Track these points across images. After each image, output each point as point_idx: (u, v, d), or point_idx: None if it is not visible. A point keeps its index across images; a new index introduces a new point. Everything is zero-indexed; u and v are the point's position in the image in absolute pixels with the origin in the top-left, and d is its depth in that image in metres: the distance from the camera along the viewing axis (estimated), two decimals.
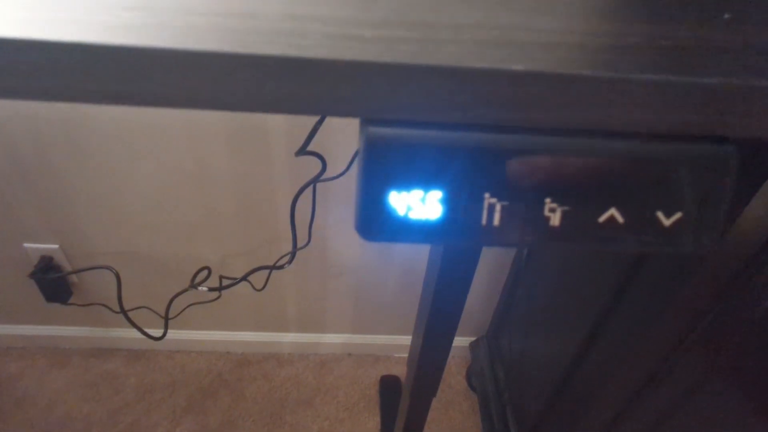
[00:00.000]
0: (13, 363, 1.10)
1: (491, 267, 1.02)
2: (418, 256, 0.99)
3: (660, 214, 0.15)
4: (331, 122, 0.67)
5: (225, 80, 0.13)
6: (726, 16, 0.15)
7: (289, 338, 1.16)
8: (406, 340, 1.18)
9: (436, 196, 0.15)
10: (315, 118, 0.57)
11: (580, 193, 0.15)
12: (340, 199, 0.86)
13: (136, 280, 0.99)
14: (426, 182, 0.15)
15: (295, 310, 1.10)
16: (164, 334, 0.94)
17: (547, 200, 0.15)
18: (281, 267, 0.77)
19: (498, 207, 0.15)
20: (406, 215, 0.16)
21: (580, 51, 0.13)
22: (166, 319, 0.94)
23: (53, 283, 0.96)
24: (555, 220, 0.15)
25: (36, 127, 0.77)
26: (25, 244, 0.93)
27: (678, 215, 0.15)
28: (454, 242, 0.15)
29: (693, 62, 0.13)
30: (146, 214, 0.90)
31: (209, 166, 0.83)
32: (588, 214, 0.15)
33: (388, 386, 1.13)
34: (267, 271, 0.80)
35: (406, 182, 0.15)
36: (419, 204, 0.15)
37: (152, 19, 0.13)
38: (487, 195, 0.15)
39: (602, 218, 0.15)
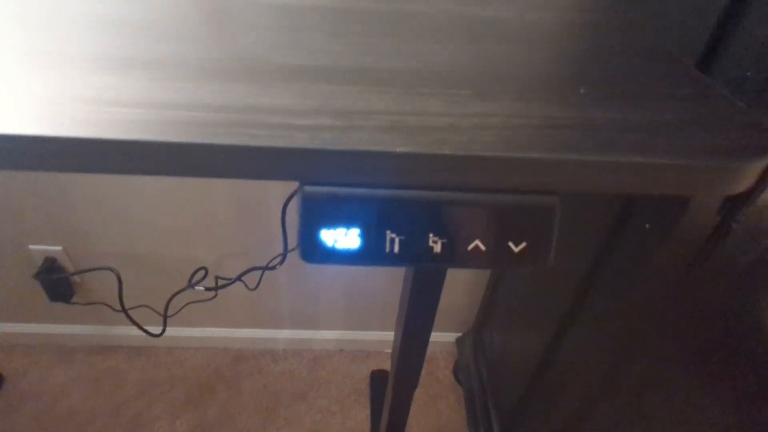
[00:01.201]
0: (18, 359, 1.15)
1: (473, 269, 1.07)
2: None
3: (511, 244, 0.20)
4: None
5: (202, 159, 0.17)
6: (582, 90, 0.19)
7: (284, 335, 1.21)
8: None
9: (354, 232, 0.20)
10: None
11: (453, 229, 0.20)
12: None
13: (136, 280, 1.04)
14: (345, 223, 0.20)
15: (289, 308, 1.15)
16: (163, 331, 0.99)
17: (431, 235, 0.20)
18: (273, 268, 0.82)
19: (396, 240, 0.20)
20: (333, 246, 0.21)
21: (449, 132, 0.18)
22: (165, 317, 0.99)
23: (57, 283, 1.01)
24: (437, 248, 0.20)
25: None
26: (31, 246, 0.98)
27: (523, 245, 0.20)
28: (368, 264, 0.21)
29: (532, 140, 0.18)
30: (146, 217, 0.95)
31: None
32: (460, 244, 0.20)
33: (379, 380, 1.18)
34: (260, 272, 0.85)
35: (331, 223, 0.20)
36: (343, 237, 0.20)
37: (139, 115, 0.18)
38: (388, 231, 0.20)
39: (470, 247, 0.20)
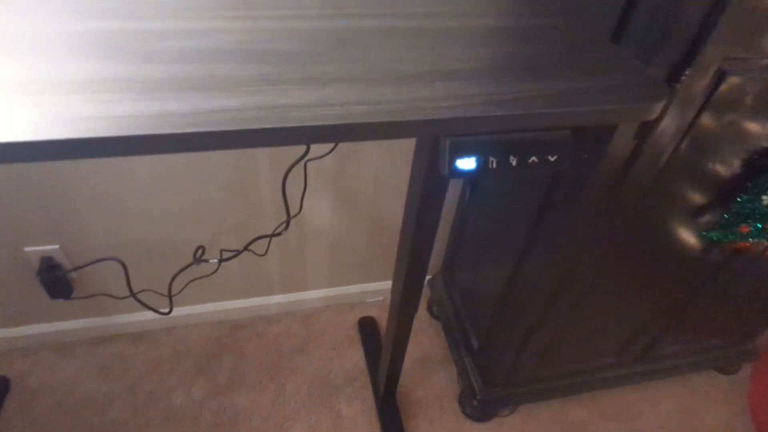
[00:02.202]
0: (18, 361, 1.18)
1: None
2: (381, 210, 1.19)
3: (549, 157, 0.36)
4: None
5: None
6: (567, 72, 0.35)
7: (275, 300, 1.32)
8: (375, 285, 1.38)
9: (472, 159, 0.34)
10: None
11: (519, 153, 0.35)
12: (317, 175, 1.02)
13: (136, 266, 1.10)
14: (469, 155, 0.34)
15: (278, 274, 1.27)
16: (170, 310, 1.08)
17: (510, 156, 0.35)
18: (279, 234, 0.93)
19: (494, 161, 0.35)
20: (463, 167, 0.35)
21: (507, 102, 0.32)
22: (170, 296, 1.08)
23: (58, 280, 1.05)
24: (514, 163, 0.35)
25: None
26: (26, 248, 1.01)
27: (555, 156, 0.36)
28: (480, 176, 0.35)
29: (548, 103, 0.33)
30: (139, 205, 1.01)
31: (197, 154, 0.95)
32: (524, 160, 0.35)
33: (366, 325, 1.34)
34: (266, 240, 0.96)
35: (463, 155, 0.34)
36: (467, 162, 0.35)
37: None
38: (489, 157, 0.34)
39: (530, 160, 0.36)
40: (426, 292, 1.43)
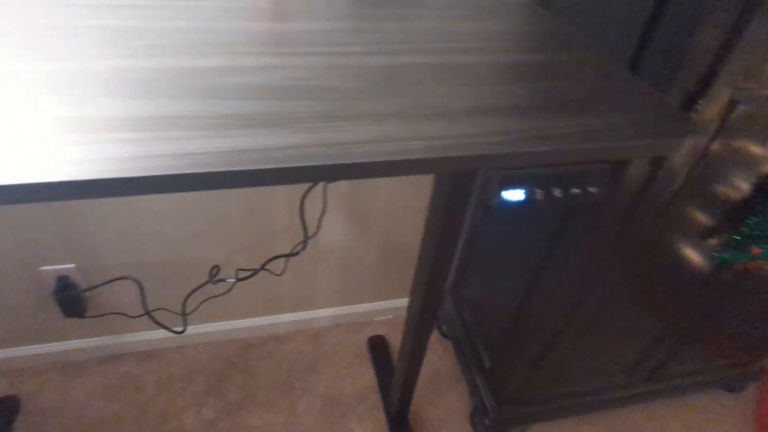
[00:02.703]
0: (27, 381, 1.17)
1: None
2: (393, 230, 1.20)
3: (590, 189, 0.38)
4: None
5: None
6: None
7: (285, 318, 1.33)
8: (385, 304, 1.39)
9: (520, 191, 0.36)
10: None
11: (564, 185, 0.37)
12: (333, 196, 1.04)
13: (150, 285, 1.11)
14: (515, 186, 0.36)
15: (289, 293, 1.27)
16: (184, 329, 1.09)
17: (554, 188, 0.37)
18: (296, 254, 0.94)
19: (539, 192, 0.37)
20: (509, 198, 0.37)
21: (557, 138, 0.35)
22: (184, 315, 1.09)
23: (73, 299, 1.06)
24: (558, 194, 0.37)
25: None
26: (42, 268, 1.02)
27: (596, 188, 0.38)
28: (526, 206, 0.37)
29: (587, 138, 0.35)
30: (154, 226, 1.02)
31: None
32: (567, 192, 0.37)
33: (376, 344, 1.35)
34: (282, 260, 0.97)
35: (508, 187, 0.36)
36: (515, 194, 0.37)
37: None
38: (536, 189, 0.36)
39: (572, 191, 0.38)
40: None
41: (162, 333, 1.22)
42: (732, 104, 0.63)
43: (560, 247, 0.84)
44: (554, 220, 0.83)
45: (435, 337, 1.41)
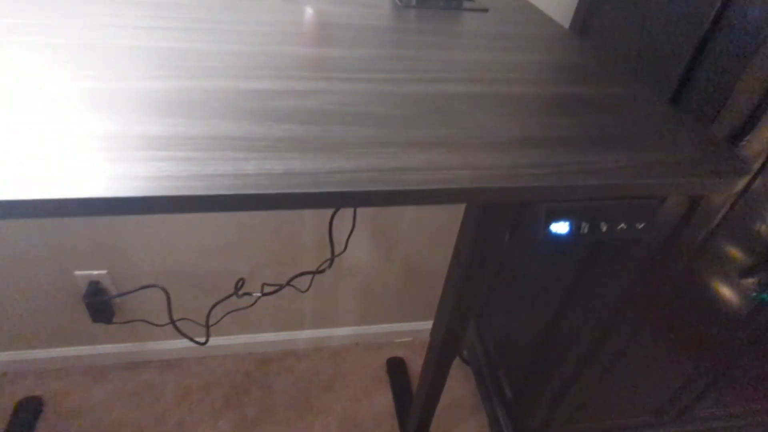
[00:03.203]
0: (54, 382, 1.19)
1: None
2: (416, 252, 1.20)
3: (636, 224, 0.38)
4: None
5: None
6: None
7: (305, 335, 1.33)
8: (404, 326, 1.38)
9: (566, 224, 0.36)
10: None
11: (610, 219, 0.37)
12: (360, 216, 1.05)
13: (176, 295, 1.13)
14: (562, 219, 0.36)
15: (310, 309, 1.28)
16: (207, 340, 1.09)
17: (601, 222, 0.37)
18: (322, 271, 0.95)
19: (586, 226, 0.37)
20: (557, 231, 0.37)
21: (595, 173, 0.34)
22: (207, 326, 1.10)
23: (102, 305, 1.08)
24: (604, 229, 0.37)
25: None
26: (76, 272, 1.04)
27: (643, 224, 0.38)
28: (571, 241, 0.37)
29: (637, 174, 0.35)
30: (184, 237, 1.04)
31: None
32: (614, 226, 0.37)
33: (395, 367, 1.33)
34: (308, 276, 0.98)
35: (556, 219, 0.36)
36: (561, 226, 0.36)
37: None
38: (582, 222, 0.36)
39: (618, 227, 0.37)
40: None
41: (184, 343, 1.24)
42: None
43: (589, 279, 0.83)
44: (583, 252, 0.82)
45: (456, 362, 1.38)
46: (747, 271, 0.80)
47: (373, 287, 1.26)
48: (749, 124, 0.59)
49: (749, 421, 1.21)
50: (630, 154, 0.37)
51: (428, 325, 1.40)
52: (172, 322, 1.06)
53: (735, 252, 0.76)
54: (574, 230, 0.37)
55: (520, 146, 0.36)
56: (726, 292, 0.83)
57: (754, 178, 0.65)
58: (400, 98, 0.41)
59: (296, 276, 1.00)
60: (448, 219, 1.14)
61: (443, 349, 0.87)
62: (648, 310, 0.84)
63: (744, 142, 0.59)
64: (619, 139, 0.40)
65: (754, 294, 0.81)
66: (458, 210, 1.13)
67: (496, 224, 0.60)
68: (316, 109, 0.38)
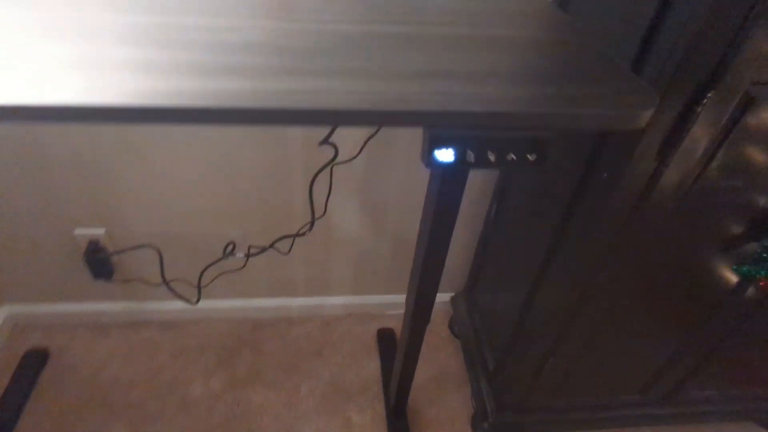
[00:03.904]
0: (59, 336, 1.26)
1: (466, 234, 1.24)
2: (407, 225, 1.20)
3: (528, 155, 0.37)
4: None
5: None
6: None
7: (298, 302, 1.36)
8: (397, 298, 1.39)
9: (451, 151, 0.36)
10: None
11: (499, 149, 0.36)
12: (348, 180, 1.06)
13: (171, 257, 1.17)
14: (447, 146, 0.36)
15: (303, 277, 1.30)
16: (198, 299, 1.13)
17: (489, 151, 0.36)
18: (303, 234, 0.97)
19: (472, 154, 0.36)
20: (441, 159, 0.37)
21: (497, 101, 0.34)
22: (199, 287, 1.14)
23: (101, 262, 1.13)
24: (492, 158, 0.36)
25: (87, 128, 0.93)
26: (76, 231, 1.10)
27: (535, 156, 0.37)
28: (458, 168, 0.36)
29: (535, 103, 0.34)
30: (179, 200, 1.07)
31: (235, 157, 1.01)
32: (502, 157, 0.36)
33: (385, 336, 1.35)
34: (290, 240, 1.00)
35: (441, 146, 0.36)
36: (445, 153, 0.36)
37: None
38: (467, 150, 0.36)
39: (508, 157, 0.37)
40: (449, 310, 1.42)
41: (181, 305, 1.28)
42: (749, 100, 0.58)
43: (561, 248, 0.81)
44: (556, 218, 0.81)
45: (446, 335, 1.39)
46: (729, 242, 0.77)
47: (365, 258, 1.28)
48: (715, 78, 0.56)
49: (745, 407, 1.17)
50: (535, 88, 0.37)
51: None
52: (165, 281, 1.11)
53: (715, 220, 0.74)
54: (460, 158, 0.36)
55: (422, 77, 0.36)
56: (708, 263, 0.81)
57: (724, 138, 0.62)
58: (326, 36, 0.42)
59: (279, 239, 1.02)
60: None
61: (415, 313, 0.88)
62: (626, 280, 0.82)
63: (708, 99, 0.57)
64: (532, 76, 0.39)
65: (735, 267, 0.78)
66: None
67: (452, 181, 0.60)
68: (245, 42, 0.39)
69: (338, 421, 1.17)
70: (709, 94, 0.56)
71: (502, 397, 1.10)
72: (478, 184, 1.13)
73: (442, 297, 1.41)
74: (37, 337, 1.26)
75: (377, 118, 0.32)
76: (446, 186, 0.63)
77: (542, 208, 0.89)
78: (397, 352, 1.07)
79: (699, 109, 0.57)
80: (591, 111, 0.34)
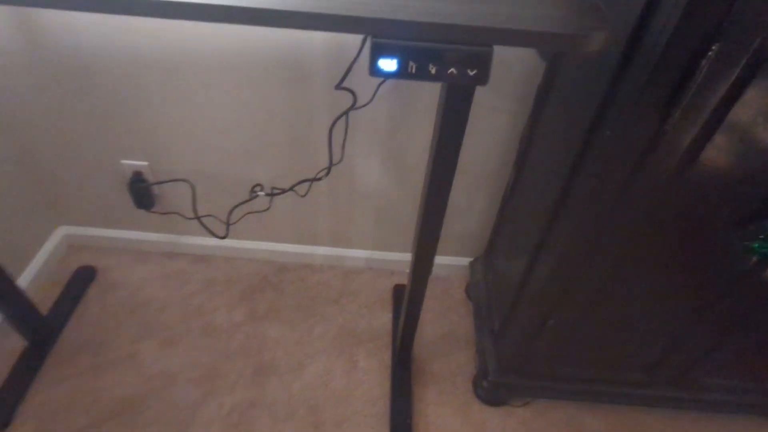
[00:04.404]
0: (106, 258, 1.40)
1: (487, 200, 1.25)
2: None
3: (468, 70, 0.38)
4: (360, 66, 0.89)
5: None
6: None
7: (321, 251, 1.42)
8: None
9: (394, 61, 0.38)
10: (350, 60, 0.80)
11: (440, 62, 0.38)
12: (367, 128, 1.08)
13: (204, 193, 1.26)
14: (390, 56, 0.38)
15: (327, 227, 1.36)
16: (226, 234, 1.21)
17: (430, 64, 0.38)
18: (320, 179, 1.01)
19: (414, 66, 0.38)
20: (384, 68, 0.39)
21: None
22: (228, 224, 1.22)
23: (143, 192, 1.24)
24: (433, 71, 0.38)
25: (136, 68, 1.01)
26: (123, 161, 1.20)
27: (475, 71, 0.39)
28: (400, 77, 0.39)
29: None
30: (215, 139, 1.15)
31: (265, 99, 1.06)
32: (443, 69, 0.38)
33: (400, 292, 1.39)
34: (309, 183, 1.05)
35: (385, 56, 0.38)
36: (389, 63, 0.39)
37: None
38: (410, 61, 0.38)
39: (449, 71, 0.38)
40: (467, 275, 1.44)
41: (212, 241, 1.38)
42: (760, 54, 0.55)
43: (564, 212, 0.81)
44: (561, 180, 0.80)
45: (462, 298, 1.42)
46: (743, 217, 0.74)
47: (387, 213, 1.31)
48: (720, 28, 0.53)
49: (763, 402, 1.12)
50: (484, 7, 0.38)
51: (441, 260, 1.43)
52: (197, 216, 1.20)
53: (726, 191, 0.71)
54: (402, 68, 0.38)
55: None
56: (721, 238, 0.78)
57: (734, 98, 0.59)
58: None
59: (298, 183, 1.07)
60: (469, 156, 1.14)
61: (418, 262, 0.91)
62: (627, 248, 0.81)
63: (712, 51, 0.55)
64: None
65: (746, 242, 0.75)
66: (468, 144, 1.12)
67: (457, 104, 0.60)
68: None
69: (345, 363, 1.23)
70: (713, 47, 0.54)
71: (504, 358, 1.12)
72: (502, 152, 1.13)
73: (462, 261, 1.43)
74: (87, 256, 1.40)
75: (324, 22, 0.35)
76: (450, 104, 0.63)
77: (552, 169, 0.88)
78: (404, 301, 1.11)
79: (703, 63, 0.55)
80: (531, 28, 0.35)
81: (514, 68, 0.97)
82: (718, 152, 0.65)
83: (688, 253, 0.81)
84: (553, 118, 0.92)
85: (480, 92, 1.00)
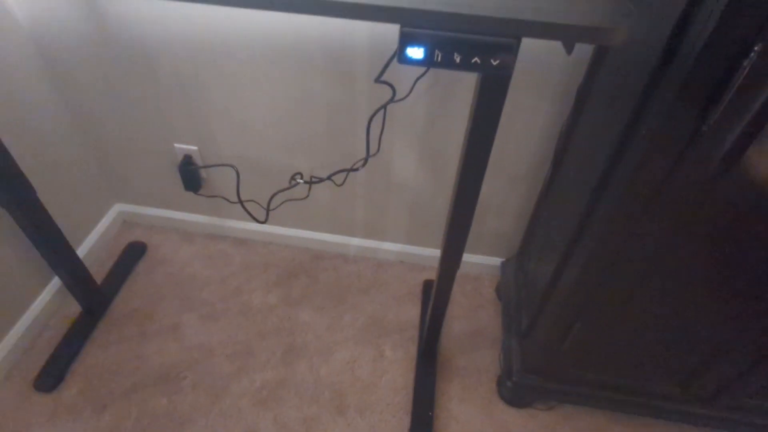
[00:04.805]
0: (155, 236, 1.50)
1: (522, 201, 1.24)
2: None
3: (492, 60, 0.40)
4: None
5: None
6: None
7: (355, 242, 1.46)
8: None
9: (421, 49, 0.40)
10: (389, 54, 0.82)
11: (464, 52, 0.39)
12: (404, 122, 1.11)
13: (248, 179, 1.32)
14: (419, 45, 0.40)
15: (362, 219, 1.39)
16: (266, 219, 1.27)
17: (455, 53, 0.40)
18: (356, 169, 1.05)
19: (440, 54, 0.40)
20: (413, 56, 0.41)
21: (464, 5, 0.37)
22: (268, 209, 1.27)
23: (192, 174, 1.31)
24: (458, 60, 0.40)
25: (191, 58, 1.08)
26: (176, 144, 1.28)
27: (499, 60, 0.40)
28: (428, 65, 0.41)
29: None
30: (260, 127, 1.20)
31: (308, 91, 1.10)
32: (468, 59, 0.40)
33: (429, 286, 1.41)
34: (345, 173, 1.08)
35: (412, 44, 0.41)
36: (417, 51, 0.41)
37: None
38: (436, 50, 0.40)
39: (473, 60, 0.40)
40: (497, 274, 1.43)
41: (254, 225, 1.45)
42: None
43: (595, 215, 0.80)
44: (593, 181, 0.79)
45: (492, 297, 1.41)
46: None
47: (422, 208, 1.33)
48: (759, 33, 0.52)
49: None
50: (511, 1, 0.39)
51: (473, 258, 1.44)
52: (240, 200, 1.26)
53: (764, 203, 0.68)
54: (428, 56, 0.40)
55: None
56: (762, 252, 0.75)
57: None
58: None
59: (336, 172, 1.11)
60: (503, 151, 1.14)
61: (446, 256, 0.93)
62: (660, 253, 0.79)
63: (754, 53, 0.53)
64: None
65: None
66: (505, 144, 1.12)
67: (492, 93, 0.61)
68: None
69: (372, 352, 1.26)
70: (755, 47, 0.53)
71: (529, 359, 1.11)
72: (539, 153, 1.12)
73: (494, 261, 1.42)
74: (139, 233, 1.50)
75: (354, 12, 0.37)
76: (484, 96, 0.63)
77: (586, 170, 0.87)
78: (432, 295, 1.12)
79: (745, 64, 0.54)
80: (555, 20, 0.36)
81: (554, 68, 0.96)
82: (759, 156, 0.63)
83: (725, 261, 0.78)
84: (592, 118, 0.91)
85: (520, 92, 1.01)
